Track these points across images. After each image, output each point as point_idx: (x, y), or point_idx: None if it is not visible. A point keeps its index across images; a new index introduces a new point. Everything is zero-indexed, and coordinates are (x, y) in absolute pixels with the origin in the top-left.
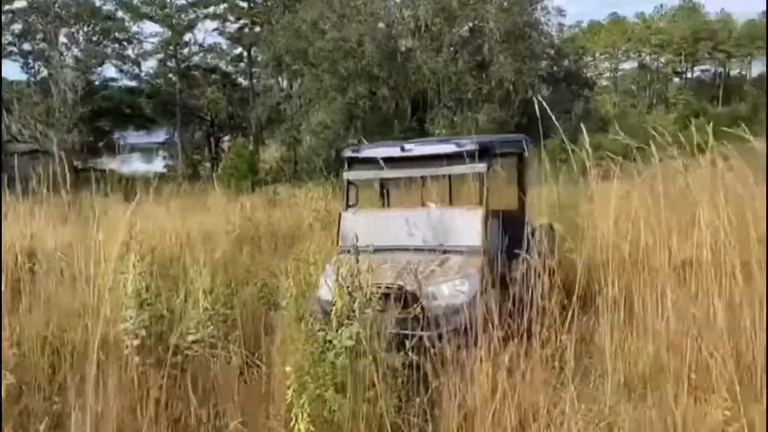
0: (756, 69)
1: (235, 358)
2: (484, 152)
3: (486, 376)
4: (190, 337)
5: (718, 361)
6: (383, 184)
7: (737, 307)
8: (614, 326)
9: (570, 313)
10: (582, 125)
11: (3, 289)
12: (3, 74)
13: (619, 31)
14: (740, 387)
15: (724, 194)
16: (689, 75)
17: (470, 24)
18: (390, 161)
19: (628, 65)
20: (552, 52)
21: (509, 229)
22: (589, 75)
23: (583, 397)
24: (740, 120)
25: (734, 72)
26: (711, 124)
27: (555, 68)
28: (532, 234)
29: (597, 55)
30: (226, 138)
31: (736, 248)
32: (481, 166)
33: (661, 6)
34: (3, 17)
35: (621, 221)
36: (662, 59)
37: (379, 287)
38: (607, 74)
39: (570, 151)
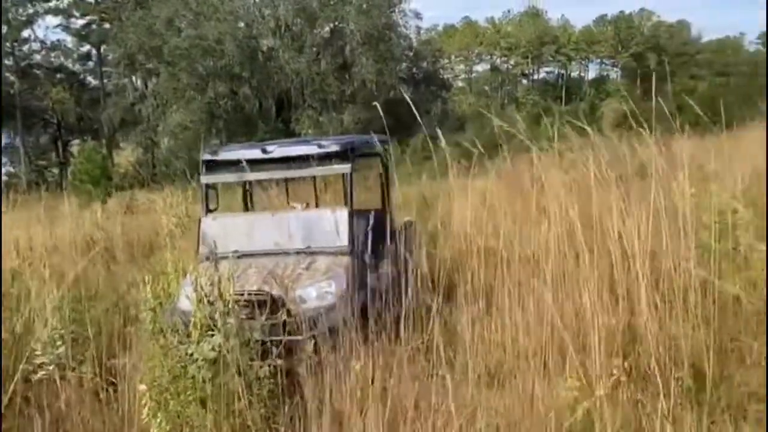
0: (592, 71)
1: (88, 379)
2: (347, 153)
3: (356, 377)
4: (37, 360)
5: (568, 344)
6: (245, 187)
7: (585, 291)
8: (475, 317)
9: (435, 308)
10: (440, 125)
11: None
12: None
13: (472, 34)
14: (586, 367)
15: (571, 185)
16: (536, 76)
17: (331, 25)
18: (251, 163)
19: (482, 67)
20: (411, 54)
21: (375, 228)
22: (446, 76)
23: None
24: (579, 117)
25: (574, 74)
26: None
27: (414, 70)
28: (397, 232)
29: (453, 57)
30: (76, 142)
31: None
32: (344, 167)
33: (509, 11)
34: None
35: (479, 215)
36: (511, 61)
37: (243, 294)
38: (463, 76)
39: (432, 150)
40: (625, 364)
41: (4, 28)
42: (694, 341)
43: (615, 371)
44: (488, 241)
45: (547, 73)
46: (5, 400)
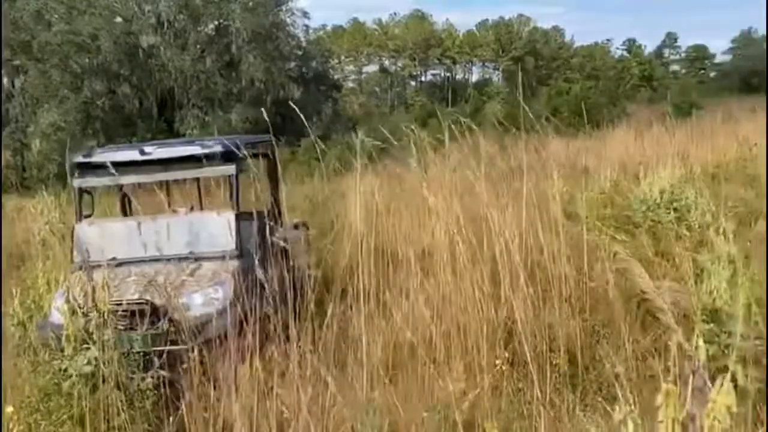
0: (476, 74)
1: None
2: (232, 153)
3: (245, 384)
4: None
5: (454, 337)
6: (123, 191)
7: (467, 288)
8: (367, 315)
9: (327, 308)
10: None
11: None
12: None
13: (360, 35)
14: (472, 358)
15: (457, 184)
16: (423, 78)
17: (216, 22)
18: (129, 165)
19: (371, 68)
20: (300, 53)
21: (263, 231)
22: (336, 77)
23: (343, 388)
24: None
25: (459, 76)
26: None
27: (304, 69)
28: (287, 234)
29: (342, 58)
30: None
31: (466, 235)
32: (229, 168)
33: (395, 14)
34: None
35: (371, 214)
36: (400, 63)
37: (121, 304)
38: (353, 76)
39: (323, 150)
40: (506, 354)
41: (4, 29)
42: (568, 329)
43: (497, 362)
44: (379, 239)
45: (433, 75)
46: None
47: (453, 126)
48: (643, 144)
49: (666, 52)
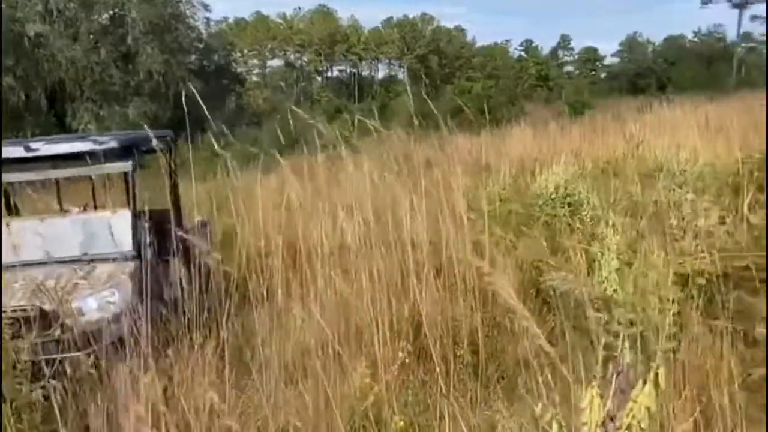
0: (382, 71)
1: None
2: (129, 149)
3: (145, 390)
4: None
5: (362, 332)
6: (7, 190)
7: (375, 283)
8: (274, 314)
9: (230, 308)
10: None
11: None
12: None
13: (263, 29)
14: (380, 353)
15: (365, 181)
16: (329, 74)
17: (110, 12)
18: (13, 163)
19: (276, 62)
20: (201, 46)
21: (163, 230)
22: (239, 70)
23: (247, 390)
24: (372, 115)
25: (365, 73)
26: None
27: (205, 62)
28: (189, 232)
29: (246, 51)
30: None
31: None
32: (125, 165)
33: (300, 8)
34: None
35: (277, 211)
36: (305, 58)
37: (5, 311)
38: (257, 71)
39: (226, 146)
40: (410, 347)
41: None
42: (472, 321)
43: (402, 355)
44: (287, 236)
45: (339, 71)
46: None
47: (360, 122)
48: (540, 141)
49: (560, 53)
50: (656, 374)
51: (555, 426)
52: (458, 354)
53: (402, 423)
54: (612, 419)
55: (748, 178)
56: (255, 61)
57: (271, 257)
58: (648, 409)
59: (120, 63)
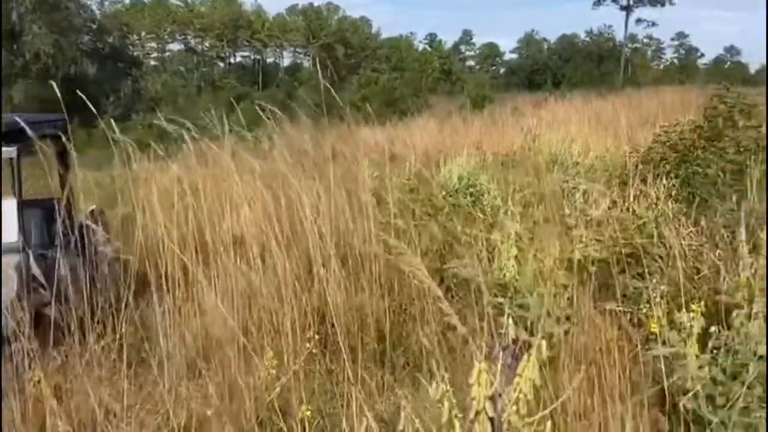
0: (287, 59)
1: None
2: (14, 134)
3: (32, 390)
4: None
5: (265, 323)
6: None
7: (280, 274)
8: (173, 307)
9: (126, 302)
10: (132, 105)
11: None
12: None
13: (163, 11)
14: (285, 343)
15: (269, 170)
16: (232, 60)
17: None
18: None
19: (176, 47)
20: (94, 26)
21: (53, 220)
22: (136, 54)
23: (147, 385)
24: (277, 103)
25: (270, 60)
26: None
27: (99, 44)
28: (82, 222)
29: (143, 34)
30: None
31: (278, 220)
32: (9, 150)
33: None
34: None
35: (178, 201)
36: (206, 43)
37: None
38: (155, 54)
39: (123, 131)
40: (317, 337)
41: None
42: (378, 308)
43: (308, 345)
44: (187, 227)
45: (243, 57)
46: None
47: (265, 110)
48: (444, 134)
49: (463, 48)
50: (539, 348)
51: (446, 403)
52: (365, 342)
53: (309, 412)
54: (500, 394)
55: (633, 170)
56: (153, 45)
57: (169, 248)
58: (533, 381)
59: (5, 42)
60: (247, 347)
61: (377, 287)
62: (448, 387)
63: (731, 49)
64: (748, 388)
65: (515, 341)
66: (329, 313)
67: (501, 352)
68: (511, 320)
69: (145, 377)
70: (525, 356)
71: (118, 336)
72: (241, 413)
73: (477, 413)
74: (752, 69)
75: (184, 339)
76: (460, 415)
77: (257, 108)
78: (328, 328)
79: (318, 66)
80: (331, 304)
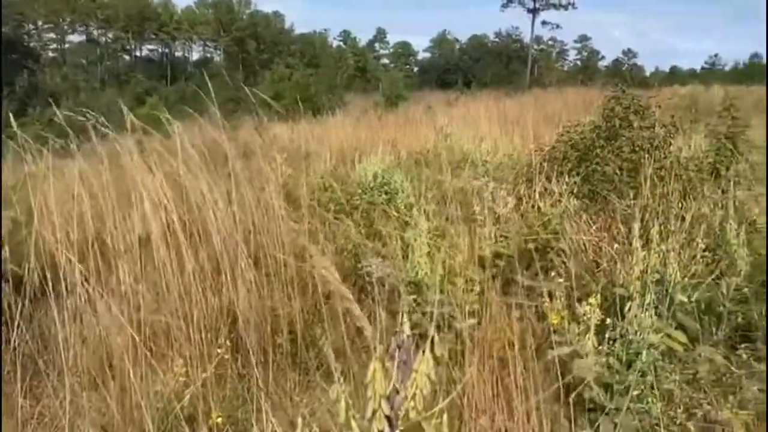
0: (196, 52)
1: None
2: None
3: None
4: None
5: (173, 328)
6: None
7: (187, 277)
8: (72, 315)
9: (22, 310)
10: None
11: None
12: None
13: (62, 0)
14: (195, 349)
15: (174, 169)
16: (139, 53)
17: None
18: None
19: (76, 38)
20: None
21: None
22: (32, 45)
23: (44, 398)
24: (186, 98)
25: (179, 54)
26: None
27: None
28: None
29: (40, 24)
30: None
31: (185, 222)
32: None
33: None
34: None
35: (77, 201)
36: (110, 35)
37: None
38: (54, 46)
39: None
40: (228, 342)
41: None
42: (291, 310)
43: (219, 350)
44: (88, 228)
45: (150, 50)
46: None
47: (174, 105)
48: (359, 131)
49: (377, 46)
50: (432, 342)
51: (342, 404)
52: (278, 344)
53: (219, 419)
54: (397, 391)
55: (538, 168)
56: (52, 35)
57: (70, 251)
58: (429, 377)
59: None
60: (154, 354)
61: (290, 288)
62: (344, 387)
63: (629, 52)
64: (642, 375)
65: (413, 337)
66: (239, 316)
67: (397, 350)
68: (407, 317)
69: (42, 389)
70: (420, 352)
71: (12, 348)
72: (145, 424)
73: (374, 412)
74: (647, 71)
75: (85, 348)
76: (357, 415)
77: (163, 103)
78: (240, 332)
79: (229, 60)
80: (242, 306)
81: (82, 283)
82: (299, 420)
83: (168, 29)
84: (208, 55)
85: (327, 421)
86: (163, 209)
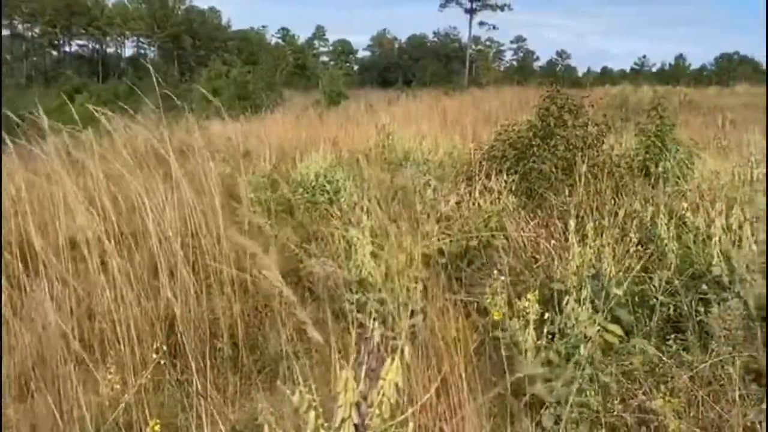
0: (129, 48)
1: None
2: None
3: None
4: None
5: (107, 334)
6: None
7: (122, 282)
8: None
9: None
10: None
11: None
12: None
13: None
14: (132, 355)
15: (108, 170)
16: (68, 49)
17: None
18: None
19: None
20: None
21: None
22: None
23: None
24: (120, 96)
25: (111, 50)
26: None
27: None
28: None
29: None
30: None
31: (117, 225)
32: None
33: None
34: None
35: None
36: (37, 30)
37: None
38: None
39: None
40: (165, 347)
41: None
42: (232, 313)
43: (155, 356)
44: (11, 233)
45: (80, 46)
46: None
47: (106, 104)
48: (300, 129)
49: (316, 43)
50: (402, 350)
51: (312, 413)
52: (217, 348)
53: (158, 427)
54: (365, 399)
55: (478, 166)
56: None
57: None
58: (396, 384)
59: None
60: (87, 361)
61: (230, 290)
62: (315, 395)
63: (563, 54)
64: (580, 369)
65: (378, 343)
66: (177, 320)
67: (366, 357)
68: (374, 321)
69: None
70: (389, 360)
71: None
72: None
73: (343, 420)
74: (580, 72)
75: (12, 356)
76: (326, 424)
77: (95, 101)
78: (178, 336)
79: (164, 57)
80: (181, 311)
81: (8, 289)
82: (265, 427)
83: (99, 24)
84: (142, 51)
85: (289, 429)
86: (94, 212)
